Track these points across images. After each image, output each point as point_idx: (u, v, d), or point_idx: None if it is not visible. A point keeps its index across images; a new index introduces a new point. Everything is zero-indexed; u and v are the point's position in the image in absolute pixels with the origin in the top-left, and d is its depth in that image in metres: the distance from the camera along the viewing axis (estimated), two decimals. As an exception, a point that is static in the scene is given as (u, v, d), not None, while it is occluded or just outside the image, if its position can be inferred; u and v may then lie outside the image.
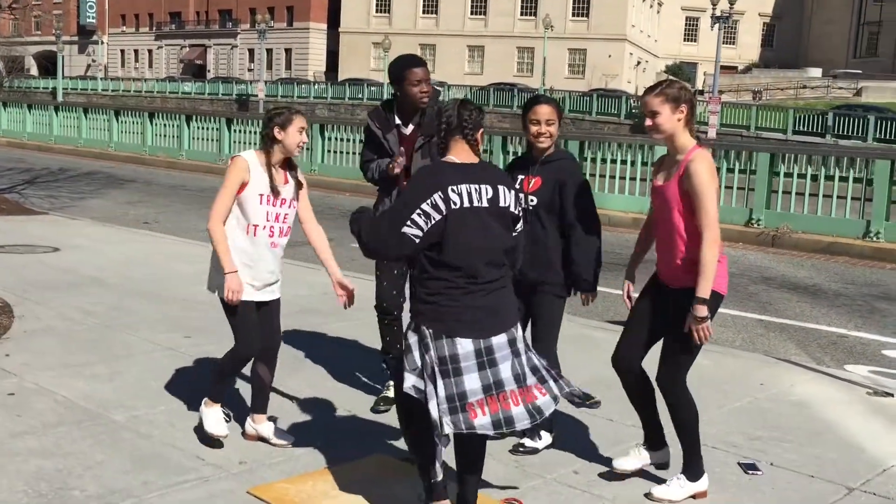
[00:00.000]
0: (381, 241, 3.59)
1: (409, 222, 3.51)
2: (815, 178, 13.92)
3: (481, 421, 3.52)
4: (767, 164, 14.13)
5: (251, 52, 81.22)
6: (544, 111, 4.66)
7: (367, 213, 3.74)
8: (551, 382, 3.67)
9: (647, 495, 4.24)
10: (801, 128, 42.82)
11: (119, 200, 16.95)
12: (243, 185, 4.45)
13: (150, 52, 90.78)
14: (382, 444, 4.81)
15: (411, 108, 5.16)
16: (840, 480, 4.54)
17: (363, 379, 5.91)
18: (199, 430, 4.76)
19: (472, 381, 3.53)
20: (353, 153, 20.77)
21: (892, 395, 6.02)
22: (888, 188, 13.23)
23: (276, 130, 4.48)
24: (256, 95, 60.76)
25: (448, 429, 3.48)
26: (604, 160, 16.63)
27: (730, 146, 17.29)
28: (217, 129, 23.43)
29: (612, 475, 4.44)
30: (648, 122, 4.15)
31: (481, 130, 3.75)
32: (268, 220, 4.51)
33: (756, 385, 6.14)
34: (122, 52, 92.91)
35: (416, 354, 3.57)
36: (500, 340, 3.59)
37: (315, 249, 4.76)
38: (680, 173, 4.06)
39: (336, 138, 21.45)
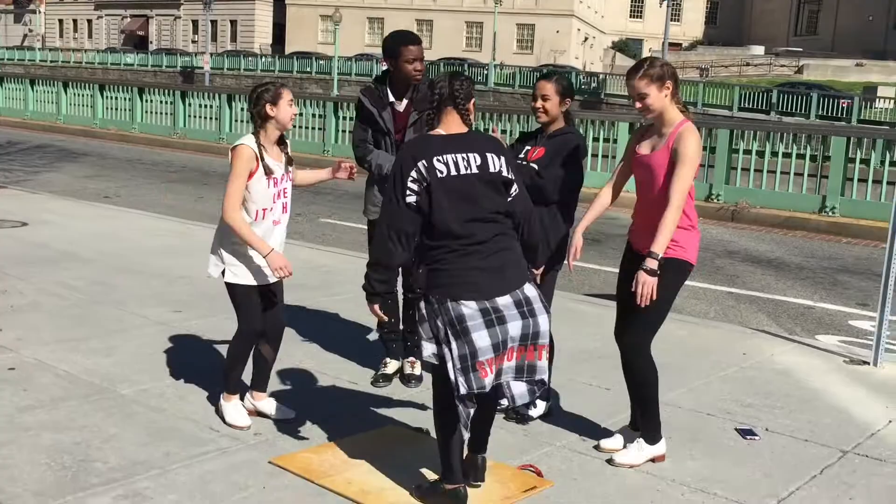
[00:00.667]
0: (396, 222, 3.64)
1: (408, 192, 3.62)
2: (774, 154, 14.27)
3: (490, 379, 3.62)
4: (727, 140, 14.43)
5: (195, 23, 79.83)
6: (541, 86, 4.80)
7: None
8: (535, 351, 3.75)
9: (609, 461, 4.37)
10: (746, 105, 43.54)
11: (76, 174, 16.66)
12: (251, 174, 4.46)
13: (89, 22, 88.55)
14: (388, 417, 4.90)
15: (404, 84, 5.21)
16: (834, 444, 4.76)
17: (358, 352, 5.97)
18: (212, 407, 4.80)
19: (481, 340, 3.58)
20: (310, 127, 20.73)
21: (868, 364, 6.27)
22: (844, 165, 13.61)
23: (267, 107, 4.46)
24: (202, 68, 59.72)
25: (463, 389, 3.57)
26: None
27: (703, 123, 17.56)
28: (171, 103, 23.07)
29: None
30: (638, 104, 4.25)
31: (472, 100, 3.83)
32: (275, 201, 4.53)
33: (739, 354, 6.35)
34: (60, 21, 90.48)
35: (429, 323, 3.67)
36: (505, 301, 3.65)
37: (304, 179, 4.85)
38: (670, 144, 4.21)
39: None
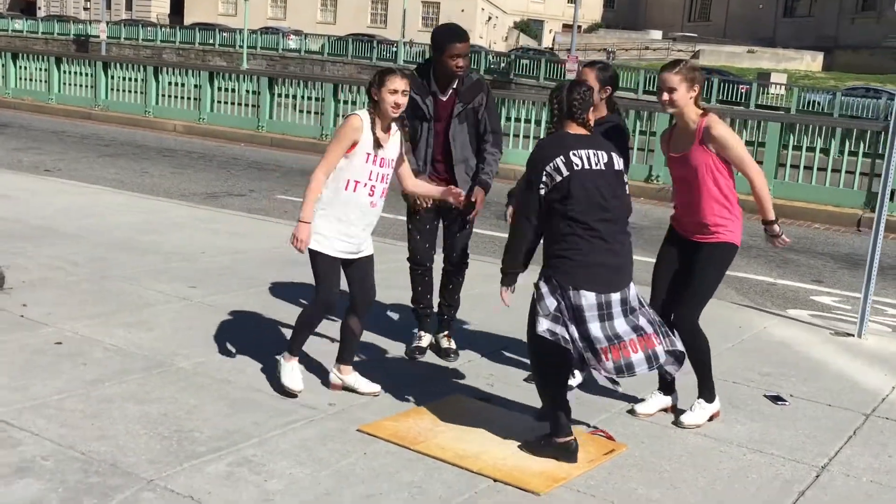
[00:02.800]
0: (530, 209, 4.00)
1: (540, 185, 3.96)
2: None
3: (606, 366, 3.94)
4: (668, 124, 15.00)
5: (87, -11, 76.94)
6: (584, 74, 5.05)
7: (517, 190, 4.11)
8: (665, 338, 4.12)
9: (676, 423, 4.74)
10: (650, 88, 44.77)
11: (5, 146, 16.10)
12: (354, 144, 4.56)
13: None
14: (446, 387, 5.11)
15: (446, 77, 5.35)
16: (855, 408, 5.21)
17: (389, 327, 6.14)
18: (274, 379, 4.92)
19: (595, 330, 3.94)
20: (237, 104, 20.56)
21: (852, 336, 6.81)
22: (777, 149, 14.36)
23: (372, 90, 4.57)
24: (97, 37, 57.72)
25: (591, 364, 3.92)
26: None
27: (629, 107, 18.14)
28: (92, 75, 22.40)
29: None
30: (665, 96, 4.57)
31: (591, 108, 4.14)
32: (370, 179, 4.62)
33: (736, 328, 6.79)
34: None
35: (549, 301, 3.95)
36: (617, 297, 4.00)
37: (415, 185, 4.95)
38: (700, 138, 4.54)
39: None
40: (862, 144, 13.76)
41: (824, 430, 4.83)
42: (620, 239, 4.07)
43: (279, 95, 19.80)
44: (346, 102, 18.99)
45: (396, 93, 4.54)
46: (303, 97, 19.64)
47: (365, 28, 67.56)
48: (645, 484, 4.03)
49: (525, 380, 5.25)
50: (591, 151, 4.04)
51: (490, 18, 74.71)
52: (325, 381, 4.94)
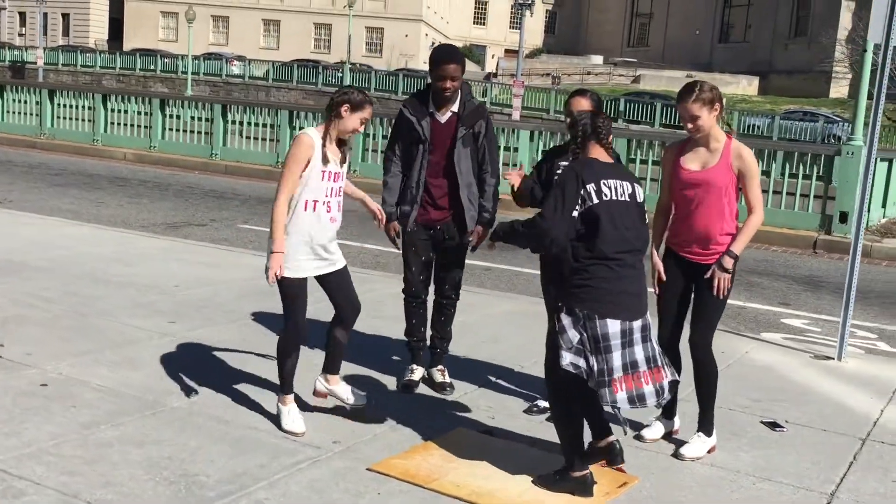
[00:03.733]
0: (558, 229, 3.92)
1: (577, 207, 3.93)
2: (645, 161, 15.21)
3: (620, 396, 3.94)
4: (625, 147, 15.21)
5: (22, 15, 75.62)
6: (576, 102, 5.04)
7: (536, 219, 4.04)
8: (667, 369, 4.14)
9: (676, 455, 4.73)
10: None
11: (-49, 176, 15.68)
12: (307, 163, 4.53)
13: None
14: (446, 421, 5.06)
15: (440, 97, 5.35)
16: (850, 433, 5.27)
17: (378, 359, 6.05)
18: (271, 417, 4.82)
19: (616, 359, 3.94)
20: (188, 131, 20.37)
21: (832, 359, 6.91)
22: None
23: (344, 108, 4.55)
24: (34, 63, 56.77)
25: (601, 399, 3.88)
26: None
27: (548, 129, 18.41)
28: (38, 102, 21.93)
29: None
30: (690, 125, 4.60)
31: (611, 136, 4.17)
32: (327, 196, 4.61)
33: (719, 353, 6.79)
34: None
35: (572, 333, 3.93)
36: (638, 324, 4.02)
37: (350, 192, 4.91)
38: (728, 161, 4.60)
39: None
40: (816, 168, 14.04)
41: (825, 456, 4.87)
42: (639, 266, 4.09)
43: (232, 122, 19.60)
44: (301, 128, 18.85)
45: (364, 122, 4.66)
46: (257, 124, 19.49)
47: (308, 54, 67.42)
48: (663, 516, 4.02)
49: (525, 411, 5.23)
50: (618, 182, 4.06)
51: (433, 43, 75.09)
52: (329, 413, 4.85)
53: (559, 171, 5.08)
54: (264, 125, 19.48)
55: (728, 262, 4.59)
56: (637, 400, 3.98)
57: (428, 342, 5.67)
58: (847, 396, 5.99)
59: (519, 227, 4.04)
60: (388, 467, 4.31)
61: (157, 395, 5.08)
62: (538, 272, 5.28)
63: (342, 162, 4.71)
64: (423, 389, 5.55)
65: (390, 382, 5.65)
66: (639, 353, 4.00)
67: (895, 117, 37.98)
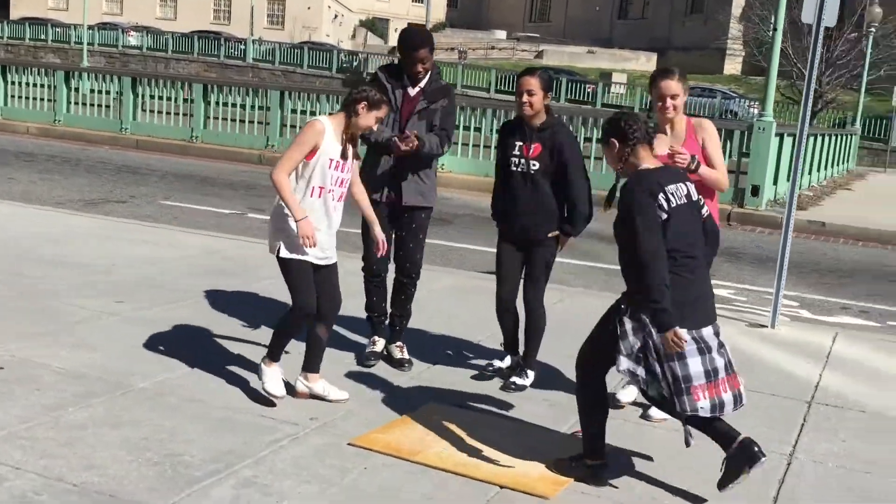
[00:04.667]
0: (660, 246, 3.75)
1: (659, 218, 3.80)
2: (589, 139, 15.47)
3: (703, 404, 3.86)
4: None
5: None
6: (526, 82, 5.11)
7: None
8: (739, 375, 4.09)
9: (645, 416, 4.95)
10: (500, 87, 45.73)
11: None
12: (315, 149, 4.53)
13: None
14: (416, 397, 5.12)
15: (411, 77, 5.38)
16: (796, 397, 5.55)
17: (345, 335, 6.06)
18: (239, 394, 4.81)
19: (695, 365, 3.83)
20: (95, 105, 19.72)
21: (766, 327, 7.22)
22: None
23: (361, 105, 4.56)
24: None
25: (678, 408, 3.86)
26: (303, 111, 18.00)
27: (485, 106, 18.59)
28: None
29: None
30: (670, 102, 4.75)
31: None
32: (334, 185, 4.63)
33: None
34: None
35: (633, 339, 3.85)
36: (709, 331, 3.94)
37: (360, 205, 4.94)
38: (692, 135, 4.86)
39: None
40: (729, 144, 14.51)
41: (779, 420, 5.12)
42: (705, 270, 4.03)
43: (143, 96, 19.07)
44: (218, 104, 18.53)
45: (379, 121, 4.69)
46: (169, 98, 19.00)
47: (208, 25, 65.80)
48: (645, 482, 4.17)
49: (502, 388, 5.28)
50: (678, 185, 3.94)
51: (336, 16, 74.23)
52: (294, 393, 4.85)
53: (516, 152, 5.16)
54: (178, 99, 19.01)
55: (692, 164, 4.67)
56: (719, 407, 3.91)
57: (388, 319, 5.71)
58: (786, 363, 6.29)
59: (655, 293, 3.74)
60: (369, 442, 4.35)
61: (120, 376, 4.98)
62: (473, 247, 5.37)
63: (354, 156, 4.73)
64: (384, 367, 5.57)
65: (348, 359, 5.66)
66: (717, 359, 3.91)
67: (789, 93, 39.38)
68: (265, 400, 4.72)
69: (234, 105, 18.60)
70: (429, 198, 5.51)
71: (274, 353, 4.73)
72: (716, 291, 8.40)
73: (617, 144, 3.99)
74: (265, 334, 5.88)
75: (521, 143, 5.19)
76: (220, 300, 6.68)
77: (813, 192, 18.91)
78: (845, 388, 5.77)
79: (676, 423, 4.21)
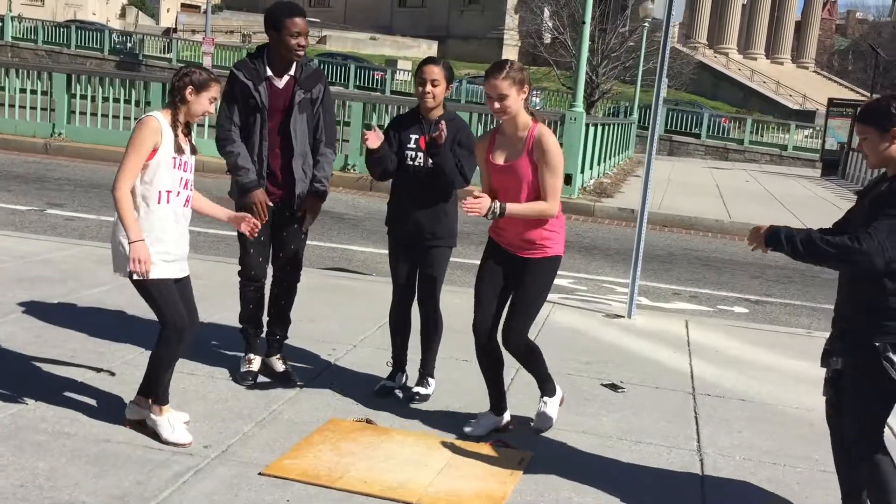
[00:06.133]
0: (882, 255, 3.32)
1: None
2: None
3: None
4: (361, 112, 15.12)
5: None
6: (429, 71, 4.82)
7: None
8: None
9: (537, 432, 4.71)
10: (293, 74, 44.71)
11: None
12: (154, 150, 4.00)
13: None
14: (311, 410, 4.74)
15: (285, 59, 4.92)
16: (679, 388, 5.62)
17: (205, 350, 5.54)
18: (116, 422, 4.26)
19: None
20: None
21: (622, 317, 7.33)
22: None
23: (188, 91, 4.06)
24: None
25: None
26: (93, 98, 17.23)
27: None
28: None
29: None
30: (497, 105, 4.28)
31: None
32: (180, 187, 4.11)
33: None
34: None
35: None
36: None
37: (200, 204, 4.38)
38: (528, 147, 4.35)
39: None
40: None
41: (672, 414, 5.14)
42: None
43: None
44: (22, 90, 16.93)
45: (213, 101, 4.17)
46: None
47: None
48: (574, 490, 4.02)
49: (405, 398, 4.97)
50: None
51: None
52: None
53: (411, 145, 4.85)
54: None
55: (496, 208, 4.24)
56: None
57: (264, 329, 5.26)
58: (654, 353, 6.38)
59: (821, 241, 3.37)
60: (283, 470, 3.94)
61: (-32, 409, 4.28)
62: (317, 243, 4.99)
63: (192, 151, 4.19)
64: (262, 381, 5.13)
65: (223, 375, 5.17)
66: None
67: (570, 83, 41.01)
68: (141, 425, 4.18)
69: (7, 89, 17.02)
70: (304, 194, 5.09)
71: (160, 394, 4.16)
72: (557, 281, 8.30)
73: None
74: (112, 349, 5.30)
75: (418, 137, 4.89)
76: (47, 313, 5.95)
77: (610, 179, 19.75)
78: (720, 378, 5.90)
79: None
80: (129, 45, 47.89)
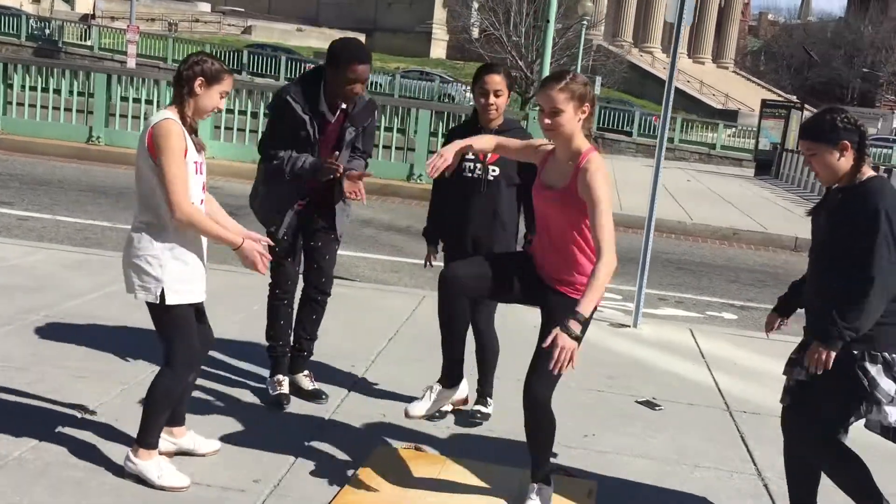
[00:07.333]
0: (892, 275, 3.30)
1: None
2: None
3: None
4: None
5: None
6: (492, 80, 4.53)
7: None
8: None
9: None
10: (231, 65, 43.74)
11: None
12: (184, 154, 3.60)
13: None
14: (355, 436, 4.44)
15: (339, 97, 4.52)
16: (711, 404, 5.47)
17: (234, 367, 5.18)
18: (106, 458, 3.87)
19: None
20: None
21: (628, 326, 7.17)
22: (427, 137, 14.79)
23: (199, 82, 3.61)
24: None
25: None
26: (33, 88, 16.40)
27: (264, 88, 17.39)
28: None
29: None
30: (548, 121, 3.59)
31: None
32: (200, 194, 3.71)
33: (530, 328, 6.77)
34: None
35: (887, 383, 3.37)
36: None
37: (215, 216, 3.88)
38: (575, 175, 3.64)
39: None
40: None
41: (713, 432, 5.00)
42: None
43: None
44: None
45: (224, 97, 3.73)
46: None
47: None
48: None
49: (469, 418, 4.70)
50: None
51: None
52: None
53: (470, 156, 4.55)
54: None
55: (575, 328, 3.37)
56: None
57: (293, 345, 4.93)
58: (671, 365, 6.23)
59: (854, 310, 3.30)
60: (344, 511, 3.63)
61: (-17, 443, 3.85)
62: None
63: (201, 148, 3.76)
64: (295, 402, 4.79)
65: (247, 396, 4.82)
66: None
67: (519, 90, 40.99)
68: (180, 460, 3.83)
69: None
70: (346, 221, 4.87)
71: (151, 438, 3.71)
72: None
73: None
74: (121, 367, 4.91)
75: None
76: (38, 328, 5.53)
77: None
78: (745, 393, 5.76)
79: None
80: (47, 31, 46.11)
